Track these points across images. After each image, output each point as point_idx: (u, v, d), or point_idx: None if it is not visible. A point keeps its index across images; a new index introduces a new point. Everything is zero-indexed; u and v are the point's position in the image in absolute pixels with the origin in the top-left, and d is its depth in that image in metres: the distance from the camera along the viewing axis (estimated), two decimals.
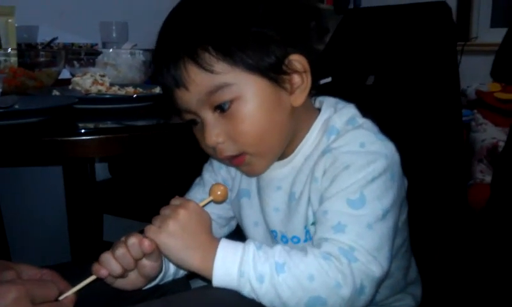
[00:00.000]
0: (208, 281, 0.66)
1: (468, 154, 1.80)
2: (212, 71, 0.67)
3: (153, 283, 0.75)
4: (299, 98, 0.73)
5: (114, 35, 1.79)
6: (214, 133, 0.71)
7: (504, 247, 1.08)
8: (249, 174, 0.78)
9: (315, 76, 0.74)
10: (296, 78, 0.72)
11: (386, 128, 0.76)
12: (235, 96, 0.68)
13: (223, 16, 0.69)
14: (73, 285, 0.67)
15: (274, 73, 0.70)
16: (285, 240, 0.77)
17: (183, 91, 0.70)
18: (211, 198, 0.72)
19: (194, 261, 0.65)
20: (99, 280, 0.68)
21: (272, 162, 0.76)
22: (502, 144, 1.76)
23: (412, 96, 1.46)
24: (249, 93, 0.69)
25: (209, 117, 0.71)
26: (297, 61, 0.71)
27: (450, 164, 1.37)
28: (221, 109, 0.69)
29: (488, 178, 1.66)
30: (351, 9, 2.67)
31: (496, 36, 2.59)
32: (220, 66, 0.67)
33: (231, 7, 0.69)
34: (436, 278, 1.02)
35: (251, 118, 0.69)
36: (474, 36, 2.67)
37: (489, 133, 1.83)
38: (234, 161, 0.74)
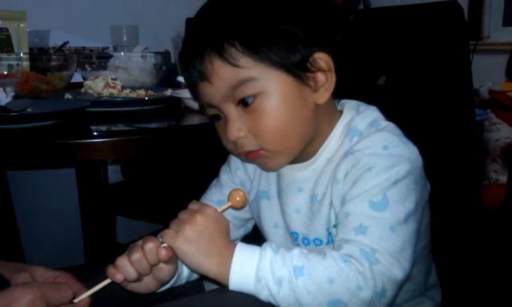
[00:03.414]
0: (222, 284, 0.65)
1: (481, 154, 1.78)
2: (237, 66, 0.67)
3: (166, 286, 0.74)
4: (323, 96, 0.72)
5: (124, 38, 1.80)
6: (236, 127, 0.71)
7: None
8: (264, 168, 0.78)
9: (340, 75, 0.73)
10: (321, 76, 0.72)
11: (398, 128, 0.75)
12: (258, 91, 0.69)
13: (250, 12, 0.69)
14: (88, 287, 0.67)
15: (299, 70, 0.70)
16: (307, 242, 0.77)
17: (206, 85, 0.70)
18: (230, 204, 0.71)
19: (210, 267, 0.65)
20: (114, 283, 0.67)
21: (288, 160, 0.75)
22: None
23: (424, 96, 1.45)
24: (273, 88, 0.69)
25: (232, 111, 0.71)
26: (322, 59, 0.71)
27: (464, 164, 1.36)
28: (244, 103, 0.70)
29: (502, 178, 1.64)
30: (361, 9, 2.66)
31: (509, 35, 2.58)
32: (245, 61, 0.68)
33: (258, 4, 0.70)
34: (456, 283, 1.01)
35: (274, 113, 0.69)
36: (486, 35, 2.64)
37: (502, 133, 1.80)
38: (250, 155, 0.73)
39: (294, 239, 0.79)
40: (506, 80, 2.07)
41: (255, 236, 0.85)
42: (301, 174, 0.77)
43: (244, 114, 0.70)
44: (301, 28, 0.69)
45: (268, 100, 0.69)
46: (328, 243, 0.75)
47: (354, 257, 0.63)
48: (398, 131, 0.73)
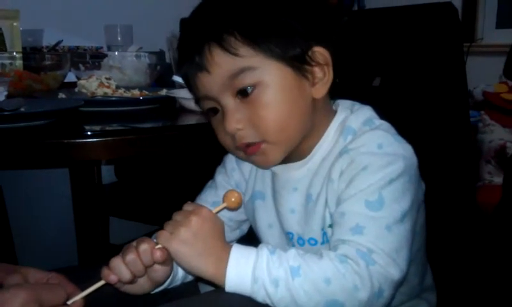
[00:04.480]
0: (218, 285, 0.65)
1: (475, 155, 1.78)
2: (236, 55, 0.68)
3: (161, 287, 0.74)
4: (320, 90, 0.73)
5: (119, 38, 1.79)
6: (235, 119, 0.70)
7: None
8: (262, 164, 0.76)
9: (337, 71, 0.74)
10: (318, 71, 0.72)
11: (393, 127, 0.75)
12: (257, 81, 0.69)
13: (249, 3, 0.70)
14: (81, 289, 0.66)
15: (298, 63, 0.70)
16: (301, 242, 0.76)
17: (205, 75, 0.70)
18: (225, 205, 0.70)
19: (206, 268, 0.64)
20: (108, 285, 0.67)
21: (286, 152, 0.74)
22: (509, 145, 1.75)
23: (419, 98, 1.45)
24: (271, 78, 0.69)
25: (230, 103, 0.70)
26: (320, 53, 0.72)
27: (458, 165, 1.36)
28: (242, 94, 0.69)
29: (496, 179, 1.65)
30: (355, 10, 2.66)
31: (502, 37, 2.60)
32: (244, 50, 0.68)
33: None
34: (451, 285, 1.01)
35: (272, 103, 0.70)
36: (480, 37, 2.66)
37: (496, 134, 1.82)
38: (250, 150, 0.73)
39: (290, 239, 0.78)
40: (500, 81, 2.08)
41: (250, 239, 0.85)
42: (295, 174, 0.77)
43: (243, 105, 0.70)
44: (300, 21, 0.70)
45: (267, 91, 0.69)
46: (323, 243, 0.74)
47: (351, 257, 0.63)
48: (392, 130, 0.74)
